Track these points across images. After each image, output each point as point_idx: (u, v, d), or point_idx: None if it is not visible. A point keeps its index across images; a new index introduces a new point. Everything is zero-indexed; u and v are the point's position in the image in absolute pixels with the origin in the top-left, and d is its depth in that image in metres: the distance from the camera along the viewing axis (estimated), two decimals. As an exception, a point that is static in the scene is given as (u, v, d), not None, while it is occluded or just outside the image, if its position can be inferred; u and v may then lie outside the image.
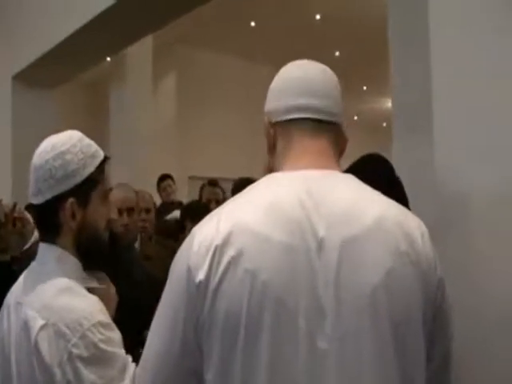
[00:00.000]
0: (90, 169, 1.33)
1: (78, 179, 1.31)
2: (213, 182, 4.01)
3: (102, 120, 7.27)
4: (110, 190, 2.15)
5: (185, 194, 6.55)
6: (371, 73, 9.07)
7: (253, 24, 7.75)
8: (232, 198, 1.03)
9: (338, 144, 1.07)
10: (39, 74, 4.97)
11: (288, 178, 0.99)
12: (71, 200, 1.31)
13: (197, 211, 2.94)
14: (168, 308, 0.96)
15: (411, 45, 1.90)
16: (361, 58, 8.60)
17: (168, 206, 4.55)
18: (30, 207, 1.34)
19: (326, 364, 0.87)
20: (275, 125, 1.08)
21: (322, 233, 0.91)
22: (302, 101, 1.04)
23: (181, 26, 5.34)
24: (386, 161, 1.86)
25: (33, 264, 1.39)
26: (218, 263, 0.89)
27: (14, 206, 2.41)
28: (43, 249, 1.36)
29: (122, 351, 1.23)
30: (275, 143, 1.08)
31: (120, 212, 2.49)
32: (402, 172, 1.81)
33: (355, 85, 9.49)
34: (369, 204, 0.97)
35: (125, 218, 2.50)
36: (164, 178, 5.04)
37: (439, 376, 1.04)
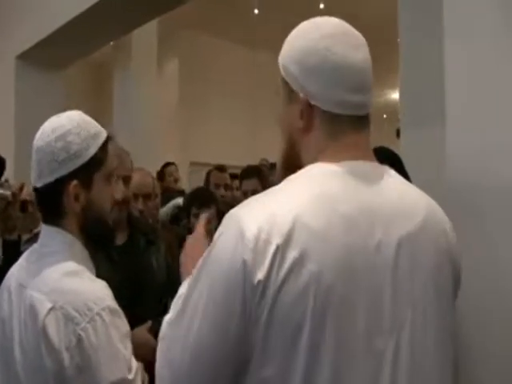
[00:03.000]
0: (93, 149, 1.29)
1: (81, 160, 1.28)
2: (220, 168, 4.03)
3: (105, 103, 7.27)
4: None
5: (186, 179, 6.57)
6: (372, 64, 9.00)
7: (256, 11, 7.73)
8: (280, 187, 0.96)
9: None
10: (44, 55, 4.93)
11: (339, 171, 0.95)
12: (74, 182, 1.28)
13: (203, 198, 2.94)
14: (213, 300, 0.89)
15: (423, 34, 1.83)
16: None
17: (171, 191, 4.52)
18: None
19: (383, 364, 0.88)
20: (315, 107, 0.99)
21: (378, 232, 0.90)
22: (357, 98, 0.99)
23: (185, 11, 5.34)
24: (395, 154, 1.86)
25: (35, 246, 1.36)
26: (281, 264, 0.84)
27: (22, 186, 2.38)
28: (47, 231, 1.33)
29: (128, 344, 1.22)
30: (313, 124, 1.00)
31: (136, 197, 2.46)
32: (409, 165, 1.78)
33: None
34: (417, 200, 0.99)
35: (140, 204, 2.47)
36: (167, 164, 5.09)
37: None
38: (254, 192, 3.18)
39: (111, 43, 5.64)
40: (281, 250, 0.84)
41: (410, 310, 0.90)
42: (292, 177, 0.97)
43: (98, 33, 4.53)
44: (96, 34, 4.53)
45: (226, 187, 3.85)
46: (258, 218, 0.88)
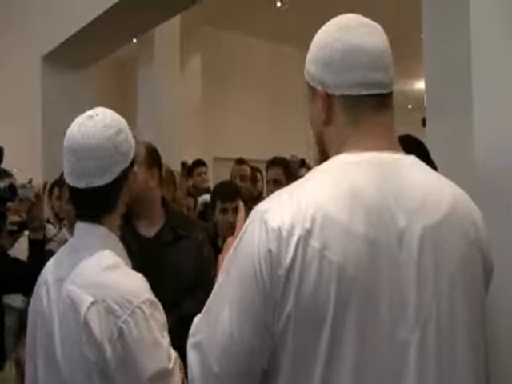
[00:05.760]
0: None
1: (133, 150, 1.35)
2: (239, 160, 4.17)
3: (130, 100, 7.33)
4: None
5: (210, 175, 6.60)
6: (396, 54, 8.90)
7: (278, 4, 7.69)
8: (303, 180, 0.97)
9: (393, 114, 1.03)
10: (68, 55, 5.00)
11: (362, 162, 0.95)
12: (135, 170, 1.36)
13: (227, 191, 2.95)
14: (241, 290, 0.90)
15: (448, 20, 1.79)
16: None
17: (199, 190, 4.58)
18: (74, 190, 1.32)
19: (407, 355, 0.86)
20: (333, 96, 0.99)
21: (402, 223, 0.90)
22: (371, 76, 0.97)
23: (207, 7, 5.34)
24: (421, 143, 1.83)
25: (71, 241, 1.39)
26: (304, 254, 0.85)
27: (45, 185, 2.45)
28: (84, 227, 1.35)
29: (166, 334, 1.24)
30: (331, 116, 1.01)
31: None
32: (435, 155, 1.75)
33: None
34: (442, 190, 0.97)
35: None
36: (199, 163, 5.09)
37: None
38: (276, 181, 3.20)
39: (134, 41, 5.68)
40: (303, 241, 0.86)
41: (434, 304, 0.89)
42: (315, 169, 0.98)
43: (121, 30, 4.58)
44: (119, 31, 4.58)
45: (242, 178, 4.01)
46: (282, 209, 0.89)
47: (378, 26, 1.03)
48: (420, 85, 10.75)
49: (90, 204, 1.33)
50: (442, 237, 0.91)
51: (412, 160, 1.00)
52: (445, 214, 0.93)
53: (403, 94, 11.25)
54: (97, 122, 1.29)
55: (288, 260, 0.85)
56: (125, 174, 1.31)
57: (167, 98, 5.78)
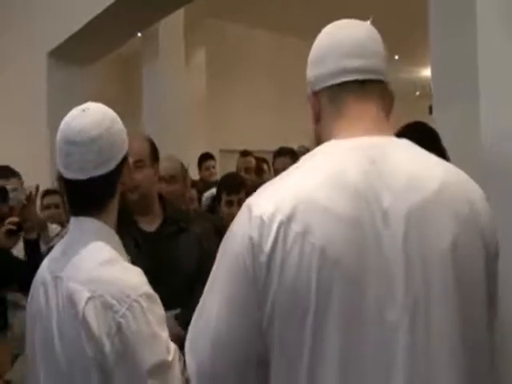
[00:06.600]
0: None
1: (127, 141, 1.35)
2: (244, 152, 4.19)
3: (135, 95, 7.33)
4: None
5: (216, 167, 6.62)
6: (403, 41, 8.85)
7: (282, -5, 7.66)
8: (290, 169, 0.98)
9: (386, 104, 1.02)
10: (74, 51, 5.01)
11: (347, 146, 0.95)
12: (130, 161, 1.36)
13: (232, 183, 2.94)
14: (229, 282, 0.90)
15: (454, 9, 1.78)
16: (392, 26, 8.38)
17: (208, 183, 4.61)
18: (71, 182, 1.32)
19: (396, 338, 0.84)
20: (319, 93, 1.02)
21: (386, 203, 0.88)
22: (348, 62, 0.99)
23: (211, -1, 5.32)
24: (431, 130, 1.81)
25: (66, 238, 1.37)
26: (284, 238, 0.85)
27: (37, 188, 2.49)
28: (79, 222, 1.34)
29: (165, 327, 1.24)
30: (320, 113, 1.04)
31: (161, 179, 2.46)
32: (444, 141, 1.73)
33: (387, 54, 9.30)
34: (431, 169, 0.94)
35: (165, 186, 2.49)
36: (207, 157, 5.07)
37: None
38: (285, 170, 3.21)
39: (139, 35, 5.67)
40: (284, 225, 0.86)
41: (423, 285, 0.86)
42: (303, 157, 0.99)
43: (125, 25, 4.58)
44: (123, 26, 4.58)
45: (247, 170, 4.05)
46: (267, 198, 0.91)
47: (369, 24, 1.06)
48: (427, 72, 10.68)
49: (85, 197, 1.33)
50: (429, 215, 0.89)
51: (401, 142, 0.99)
52: (432, 192, 0.90)
53: (410, 81, 11.19)
54: (90, 116, 1.29)
55: (269, 246, 0.86)
56: (119, 167, 1.31)
57: (172, 91, 5.78)
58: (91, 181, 1.29)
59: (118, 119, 1.35)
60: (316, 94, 1.03)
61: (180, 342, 0.98)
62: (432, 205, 0.89)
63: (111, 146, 1.29)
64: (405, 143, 0.99)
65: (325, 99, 1.02)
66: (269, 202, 0.89)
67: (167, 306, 1.89)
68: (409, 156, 0.96)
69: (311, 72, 1.04)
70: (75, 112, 1.32)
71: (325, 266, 0.84)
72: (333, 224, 0.86)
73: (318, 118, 1.04)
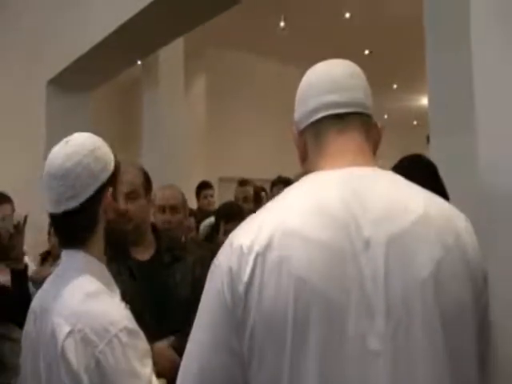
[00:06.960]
0: (113, 161, 1.35)
1: (110, 170, 1.33)
2: (242, 182, 4.19)
3: (135, 123, 7.37)
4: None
5: (216, 195, 6.62)
6: (401, 71, 8.98)
7: (282, 24, 7.76)
8: (273, 200, 0.99)
9: (371, 136, 1.04)
10: (73, 79, 5.03)
11: (329, 177, 0.97)
12: (110, 190, 1.33)
13: (230, 212, 2.95)
14: (208, 314, 0.92)
15: (450, 39, 1.80)
16: (390, 55, 8.52)
17: (206, 212, 4.59)
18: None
19: (378, 365, 0.83)
20: (304, 132, 1.06)
21: (367, 232, 0.88)
22: (328, 98, 1.02)
23: (211, 27, 5.37)
24: (431, 165, 1.80)
25: (57, 270, 1.39)
26: (262, 267, 0.86)
27: (25, 218, 2.46)
28: (68, 255, 1.35)
29: (148, 362, 1.22)
30: (307, 151, 1.07)
31: (162, 209, 2.50)
32: (440, 170, 1.73)
33: (385, 83, 9.41)
34: (413, 199, 0.94)
35: (167, 216, 2.51)
36: (205, 185, 5.06)
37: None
38: None
39: (139, 63, 5.72)
40: (262, 254, 0.87)
41: (404, 311, 0.85)
42: (287, 188, 1.00)
43: (125, 54, 4.61)
44: (123, 55, 4.61)
45: (245, 200, 4.05)
46: (246, 229, 0.93)
47: (348, 61, 1.08)
48: (425, 101, 10.78)
49: (65, 231, 1.34)
50: (410, 244, 0.89)
51: (384, 173, 1.00)
52: (413, 221, 0.90)
53: (408, 110, 11.28)
54: (69, 147, 1.30)
55: (247, 276, 0.86)
56: (97, 196, 1.30)
57: (172, 119, 5.81)
58: (66, 214, 1.29)
59: (101, 146, 1.34)
60: (301, 133, 1.07)
61: (176, 370, 0.97)
62: (413, 234, 0.90)
63: (85, 176, 1.28)
64: (387, 173, 1.00)
65: (309, 137, 1.06)
66: (247, 232, 0.91)
67: (163, 334, 1.88)
68: (391, 186, 0.97)
69: (296, 113, 1.09)
70: (59, 144, 1.34)
71: (302, 295, 0.84)
72: (312, 253, 0.86)
73: (304, 157, 1.08)
